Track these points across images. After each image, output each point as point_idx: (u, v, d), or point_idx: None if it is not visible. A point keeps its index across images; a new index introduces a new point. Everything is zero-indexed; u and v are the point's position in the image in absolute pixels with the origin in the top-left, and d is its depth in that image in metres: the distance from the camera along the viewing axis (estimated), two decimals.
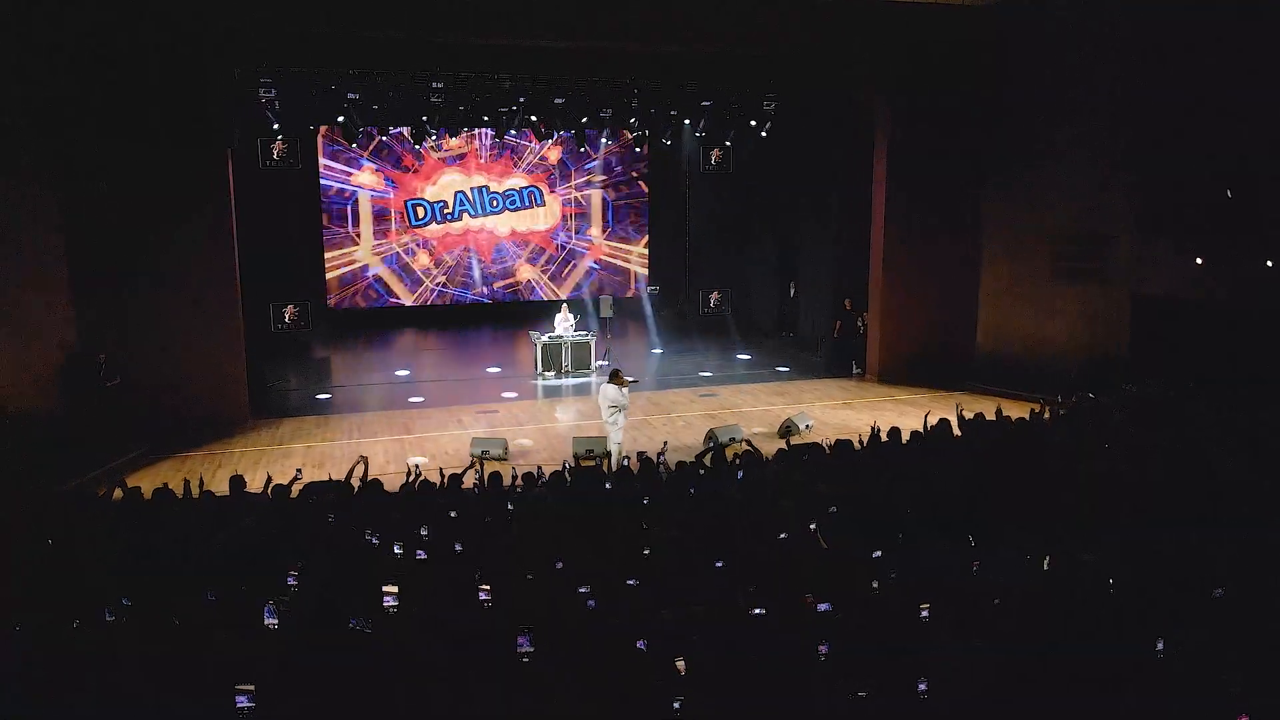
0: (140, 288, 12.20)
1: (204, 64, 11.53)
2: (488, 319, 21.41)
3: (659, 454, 9.14)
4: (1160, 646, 4.28)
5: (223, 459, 11.47)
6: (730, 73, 15.73)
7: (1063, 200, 14.90)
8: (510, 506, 7.71)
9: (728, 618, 5.79)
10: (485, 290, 21.35)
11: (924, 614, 4.78)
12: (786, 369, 17.23)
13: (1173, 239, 13.81)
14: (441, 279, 21.01)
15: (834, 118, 17.21)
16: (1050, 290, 15.25)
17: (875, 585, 5.98)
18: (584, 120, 16.55)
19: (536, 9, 12.76)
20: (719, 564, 6.56)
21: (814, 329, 18.74)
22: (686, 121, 17.28)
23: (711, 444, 11.55)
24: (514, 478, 8.97)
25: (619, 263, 22.33)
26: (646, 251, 22.35)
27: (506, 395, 15.05)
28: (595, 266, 22.13)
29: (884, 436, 9.91)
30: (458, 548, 6.04)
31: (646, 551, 7.05)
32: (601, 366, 16.44)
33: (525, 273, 21.63)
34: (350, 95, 15.58)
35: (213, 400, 12.73)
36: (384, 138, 19.52)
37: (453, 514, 7.60)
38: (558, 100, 16.13)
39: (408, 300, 20.86)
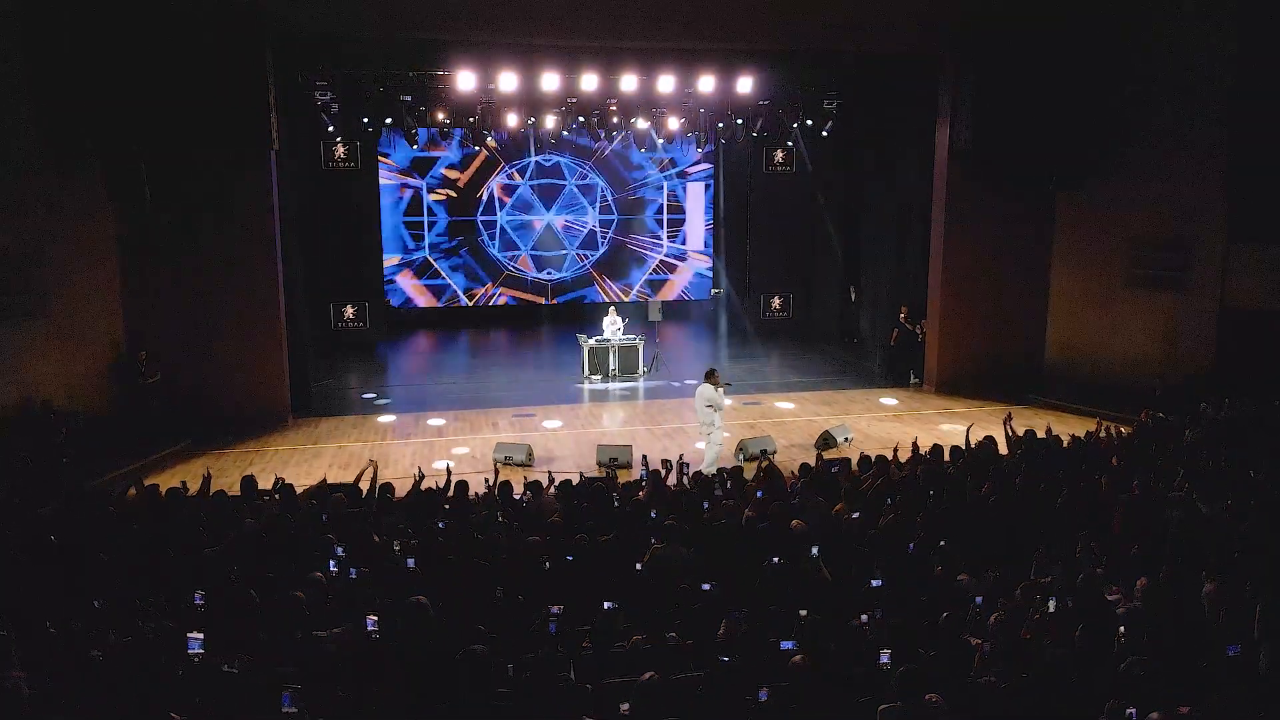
0: (185, 286, 12.44)
1: (248, 66, 11.65)
2: (540, 320, 21.30)
3: (667, 464, 8.75)
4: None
5: (255, 457, 11.58)
6: (791, 70, 15.16)
7: (1144, 201, 13.79)
8: (500, 518, 7.44)
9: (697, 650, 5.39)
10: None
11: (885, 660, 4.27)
12: (841, 377, 16.52)
13: (1268, 244, 12.61)
14: (498, 279, 21.02)
15: (897, 116, 16.45)
16: (1127, 298, 14.17)
17: (865, 618, 5.50)
18: (634, 120, 16.26)
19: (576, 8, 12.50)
20: (706, 586, 6.16)
21: (875, 336, 17.97)
22: (739, 121, 16.78)
23: (741, 457, 11.10)
24: (525, 486, 8.75)
25: (679, 264, 21.94)
26: (709, 255, 21.89)
27: (549, 399, 14.82)
28: (657, 267, 21.79)
29: (925, 452, 9.29)
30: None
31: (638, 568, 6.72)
32: (646, 373, 16.07)
33: (583, 272, 21.44)
34: (405, 98, 15.79)
35: (254, 398, 12.89)
36: (441, 140, 19.70)
37: (441, 524, 7.41)
38: (610, 101, 15.91)
39: (462, 301, 20.94)
